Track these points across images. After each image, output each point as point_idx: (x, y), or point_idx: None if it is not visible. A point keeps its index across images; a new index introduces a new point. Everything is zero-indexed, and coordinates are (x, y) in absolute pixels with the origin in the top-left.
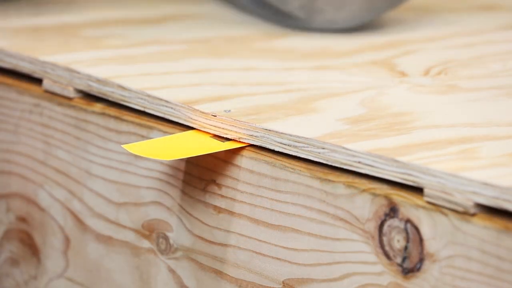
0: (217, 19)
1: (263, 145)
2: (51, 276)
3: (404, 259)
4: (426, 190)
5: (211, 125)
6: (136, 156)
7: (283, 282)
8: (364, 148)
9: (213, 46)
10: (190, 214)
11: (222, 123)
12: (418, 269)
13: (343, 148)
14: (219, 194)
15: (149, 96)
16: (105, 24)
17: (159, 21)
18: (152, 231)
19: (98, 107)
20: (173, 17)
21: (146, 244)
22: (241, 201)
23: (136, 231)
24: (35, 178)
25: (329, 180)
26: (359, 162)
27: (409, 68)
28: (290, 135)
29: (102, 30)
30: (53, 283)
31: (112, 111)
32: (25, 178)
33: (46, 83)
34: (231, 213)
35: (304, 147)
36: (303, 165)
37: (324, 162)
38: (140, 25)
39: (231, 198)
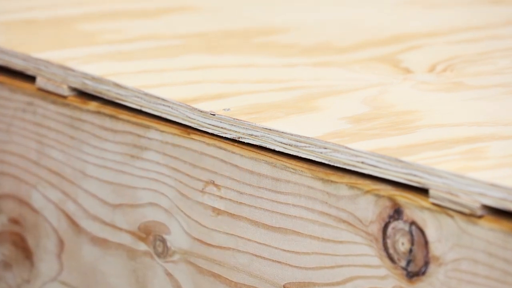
0: (215, 12)
1: (264, 144)
2: (44, 279)
3: (408, 262)
4: (431, 191)
5: (210, 124)
6: (132, 156)
7: (284, 286)
8: (367, 148)
9: (211, 41)
10: (188, 216)
11: (221, 122)
12: (423, 273)
13: (346, 148)
14: (218, 195)
15: (146, 94)
16: (100, 17)
17: (155, 14)
18: (149, 234)
19: (93, 105)
20: (170, 10)
21: (142, 246)
22: (241, 203)
23: (132, 233)
24: (28, 178)
25: (331, 181)
26: (362, 162)
27: (413, 64)
28: (291, 135)
29: (98, 24)
30: (46, 286)
31: (108, 109)
32: (17, 179)
33: (40, 81)
34: (230, 215)
35: (305, 146)
36: (305, 165)
37: (326, 162)
38: (136, 18)
39: (230, 200)
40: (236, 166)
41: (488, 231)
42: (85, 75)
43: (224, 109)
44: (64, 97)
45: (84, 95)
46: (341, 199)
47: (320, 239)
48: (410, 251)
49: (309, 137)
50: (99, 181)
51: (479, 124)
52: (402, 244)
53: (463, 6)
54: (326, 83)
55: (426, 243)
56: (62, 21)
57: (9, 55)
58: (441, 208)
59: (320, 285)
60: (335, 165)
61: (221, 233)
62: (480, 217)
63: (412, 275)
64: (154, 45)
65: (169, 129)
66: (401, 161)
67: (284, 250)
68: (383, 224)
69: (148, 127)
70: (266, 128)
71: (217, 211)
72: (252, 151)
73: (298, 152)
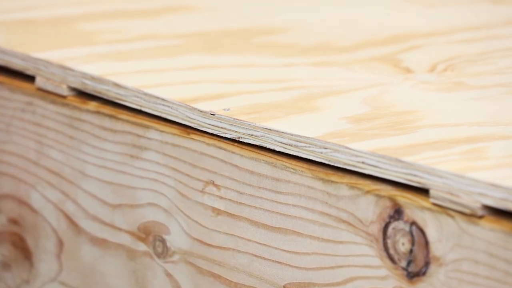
0: (214, 12)
1: (264, 144)
2: (44, 280)
3: (409, 262)
4: (431, 191)
5: (210, 124)
6: (131, 156)
7: (284, 286)
8: (367, 148)
9: (211, 41)
10: (188, 216)
11: (221, 122)
12: (424, 273)
13: (346, 148)
14: (218, 196)
15: (145, 94)
16: (100, 17)
17: (154, 14)
18: (148, 234)
19: (92, 105)
20: (169, 10)
21: (142, 247)
22: (241, 203)
23: (132, 233)
24: (27, 178)
25: (332, 181)
26: (362, 163)
27: (414, 64)
28: (291, 135)
29: (97, 24)
30: (46, 287)
31: (107, 109)
32: (17, 179)
33: (39, 81)
34: (230, 215)
35: (305, 147)
36: (305, 165)
37: (327, 162)
38: (135, 17)
39: (230, 200)
40: (236, 166)
41: (488, 232)
42: (85, 75)
43: (224, 109)
44: (64, 97)
45: (84, 95)
46: (342, 199)
47: (320, 239)
48: (411, 251)
49: (309, 137)
50: (98, 181)
51: (480, 124)
52: (402, 244)
53: (463, 5)
54: (326, 83)
55: (426, 243)
56: (61, 21)
57: (8, 55)
58: (441, 208)
59: (320, 286)
60: (335, 165)
61: (221, 233)
62: (480, 217)
63: (413, 276)
64: (153, 45)
65: (168, 129)
66: (401, 161)
67: (284, 251)
68: (383, 224)
69: (147, 127)
70: (266, 128)
71: (217, 211)
72: (252, 151)
73: (298, 152)
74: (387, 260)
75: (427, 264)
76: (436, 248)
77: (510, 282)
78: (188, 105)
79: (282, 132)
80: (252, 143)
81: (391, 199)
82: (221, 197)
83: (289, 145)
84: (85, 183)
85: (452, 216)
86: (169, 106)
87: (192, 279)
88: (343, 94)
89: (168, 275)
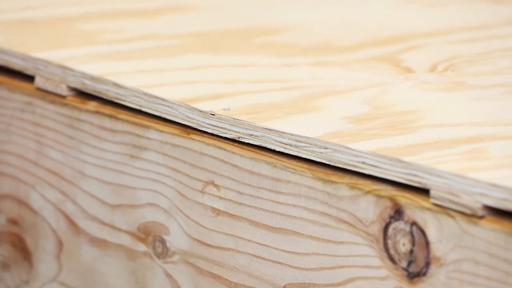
0: (214, 11)
1: (264, 144)
2: (43, 280)
3: (409, 263)
4: (432, 192)
5: (210, 124)
6: (131, 156)
7: (284, 287)
8: (367, 148)
9: (211, 41)
10: (188, 217)
11: (221, 122)
12: (424, 274)
13: (346, 148)
14: (217, 196)
15: (145, 94)
16: (99, 17)
17: (154, 14)
18: (148, 234)
19: (92, 105)
20: (169, 9)
21: (142, 247)
22: (241, 203)
23: (131, 234)
24: (26, 178)
25: (332, 181)
26: (362, 163)
27: (414, 64)
28: (291, 135)
29: (97, 24)
30: (45, 287)
31: (107, 109)
32: (16, 179)
33: (39, 81)
34: (230, 215)
35: (305, 147)
36: (305, 165)
37: (327, 162)
38: (135, 17)
39: (230, 200)
40: (236, 166)
41: (489, 232)
42: (84, 75)
43: (224, 109)
44: (63, 96)
45: (83, 94)
46: (342, 199)
47: (321, 239)
48: (411, 251)
49: (309, 137)
50: (98, 181)
51: (480, 124)
52: (403, 244)
53: (463, 5)
54: (326, 83)
55: (427, 243)
56: (61, 21)
57: (8, 55)
58: (442, 209)
59: (321, 286)
60: (336, 165)
61: (221, 233)
62: (481, 217)
63: (413, 276)
64: (153, 44)
65: (168, 129)
66: (401, 161)
67: (284, 251)
68: (383, 225)
69: (147, 127)
70: (266, 128)
71: (217, 212)
72: (252, 151)
73: (298, 152)
74: (388, 261)
75: (427, 264)
76: (437, 249)
77: (511, 282)
78: (188, 105)
79: (282, 132)
80: (252, 143)
81: (392, 199)
82: (221, 197)
83: (289, 145)
84: (84, 183)
85: (452, 216)
86: (168, 106)
87: (192, 279)
88: (343, 94)
89: (168, 275)
